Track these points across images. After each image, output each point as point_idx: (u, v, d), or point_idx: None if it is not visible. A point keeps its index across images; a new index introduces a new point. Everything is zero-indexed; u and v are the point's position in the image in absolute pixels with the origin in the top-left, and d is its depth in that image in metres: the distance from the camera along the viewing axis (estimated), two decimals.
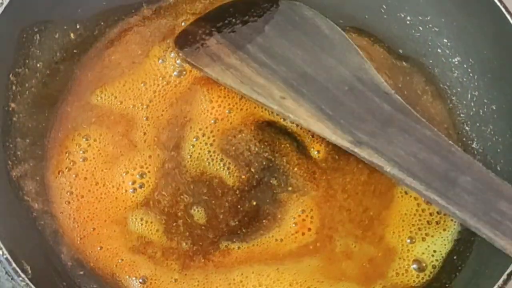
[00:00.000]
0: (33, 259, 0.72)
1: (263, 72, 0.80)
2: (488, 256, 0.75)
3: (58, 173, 0.80)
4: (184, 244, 0.78)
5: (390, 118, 0.76)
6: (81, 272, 0.77)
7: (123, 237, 0.78)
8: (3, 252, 0.68)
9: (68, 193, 0.79)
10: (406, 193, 0.80)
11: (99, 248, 0.78)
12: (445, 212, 0.74)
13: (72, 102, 0.83)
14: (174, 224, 0.79)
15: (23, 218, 0.77)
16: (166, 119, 0.83)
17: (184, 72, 0.85)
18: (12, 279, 0.69)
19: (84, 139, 0.81)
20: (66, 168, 0.80)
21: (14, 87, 0.79)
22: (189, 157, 0.81)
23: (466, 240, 0.79)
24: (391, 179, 0.79)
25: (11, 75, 0.79)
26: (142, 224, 0.79)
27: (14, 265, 0.68)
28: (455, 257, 0.79)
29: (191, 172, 0.81)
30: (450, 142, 0.74)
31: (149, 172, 0.80)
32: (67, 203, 0.79)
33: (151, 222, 0.79)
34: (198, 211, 0.79)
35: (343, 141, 0.75)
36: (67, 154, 0.81)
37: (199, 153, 0.81)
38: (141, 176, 0.80)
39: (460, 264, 0.78)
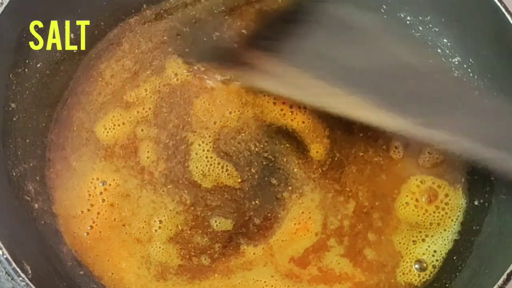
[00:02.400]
0: (33, 259, 0.72)
1: (310, 73, 0.79)
2: (488, 256, 0.75)
3: (81, 212, 0.79)
4: (204, 259, 0.78)
5: (444, 96, 0.76)
6: (81, 272, 0.77)
7: (139, 270, 0.78)
8: (3, 252, 0.68)
9: (89, 227, 0.79)
10: (406, 199, 0.81)
11: (110, 274, 0.78)
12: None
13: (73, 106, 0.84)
14: (194, 247, 0.79)
15: (23, 218, 0.77)
16: (168, 126, 0.83)
17: (185, 77, 0.85)
18: (12, 279, 0.69)
19: (100, 184, 0.80)
20: (87, 209, 0.79)
21: (14, 87, 0.79)
22: (196, 168, 0.81)
23: (466, 240, 0.79)
24: (392, 180, 0.79)
25: (11, 75, 0.79)
26: (161, 254, 0.78)
27: (14, 265, 0.68)
28: (455, 257, 0.79)
29: (199, 182, 0.81)
30: None
31: (168, 214, 0.79)
32: (86, 234, 0.79)
33: (171, 253, 0.78)
34: (217, 222, 0.79)
35: (404, 124, 0.75)
36: (88, 195, 0.80)
37: (201, 156, 0.81)
38: (160, 221, 0.79)
39: (460, 264, 0.78)
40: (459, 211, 0.80)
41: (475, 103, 0.76)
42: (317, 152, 0.82)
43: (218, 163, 0.81)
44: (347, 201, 0.80)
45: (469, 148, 0.73)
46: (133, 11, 0.88)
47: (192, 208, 0.80)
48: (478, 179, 0.81)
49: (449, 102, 0.76)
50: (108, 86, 0.85)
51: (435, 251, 0.79)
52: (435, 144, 0.75)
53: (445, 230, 0.79)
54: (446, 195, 0.81)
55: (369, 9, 0.85)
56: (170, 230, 0.79)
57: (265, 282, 0.77)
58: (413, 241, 0.79)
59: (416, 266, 0.78)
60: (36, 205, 0.78)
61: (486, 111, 0.74)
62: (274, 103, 0.83)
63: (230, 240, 0.79)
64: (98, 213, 0.79)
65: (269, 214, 0.79)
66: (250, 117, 0.83)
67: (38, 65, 0.82)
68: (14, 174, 0.78)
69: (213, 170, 0.81)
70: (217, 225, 0.79)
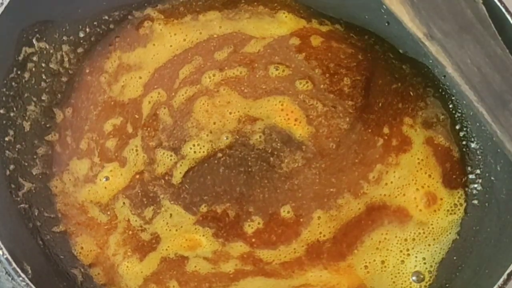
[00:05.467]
0: (33, 259, 0.72)
1: None
2: (488, 256, 0.75)
3: (81, 212, 0.80)
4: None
5: (469, 25, 0.76)
6: (81, 272, 0.77)
7: (139, 271, 0.78)
8: (3, 252, 0.68)
9: (89, 227, 0.79)
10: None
11: (110, 274, 0.78)
12: (487, 129, 0.74)
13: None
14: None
15: (23, 219, 0.77)
16: (168, 125, 0.83)
17: (185, 84, 0.85)
18: (12, 279, 0.69)
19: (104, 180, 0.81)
20: (86, 208, 0.80)
21: (14, 87, 0.80)
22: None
23: (466, 240, 0.79)
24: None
25: (11, 75, 0.79)
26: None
27: (14, 265, 0.68)
28: (455, 257, 0.79)
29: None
30: None
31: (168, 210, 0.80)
32: (86, 234, 0.79)
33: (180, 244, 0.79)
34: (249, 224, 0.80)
35: (417, 31, 0.76)
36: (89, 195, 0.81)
37: (198, 154, 0.82)
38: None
39: (460, 264, 0.78)
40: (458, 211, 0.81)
41: (483, 41, 0.75)
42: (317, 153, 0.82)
43: (216, 162, 0.81)
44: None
45: (452, 79, 0.75)
46: (133, 11, 0.88)
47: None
48: (478, 179, 0.82)
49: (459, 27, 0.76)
50: (109, 84, 0.84)
51: (424, 258, 0.79)
52: None
53: (434, 239, 0.80)
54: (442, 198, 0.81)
55: (369, 9, 0.85)
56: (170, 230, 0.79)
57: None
58: (402, 260, 0.79)
59: (414, 278, 0.78)
60: (36, 205, 0.78)
61: None
62: (282, 109, 0.83)
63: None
64: (98, 212, 0.79)
65: (267, 213, 0.80)
66: (251, 118, 0.83)
67: (38, 65, 0.82)
68: (14, 174, 0.78)
69: (218, 172, 0.81)
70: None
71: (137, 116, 0.83)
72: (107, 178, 0.80)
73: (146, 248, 0.78)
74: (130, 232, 0.79)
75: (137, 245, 0.78)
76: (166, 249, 0.78)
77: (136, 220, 0.79)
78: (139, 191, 0.80)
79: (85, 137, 0.82)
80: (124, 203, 0.80)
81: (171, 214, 0.79)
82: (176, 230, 0.79)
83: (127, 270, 0.78)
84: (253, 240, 0.79)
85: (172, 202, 0.80)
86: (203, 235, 0.79)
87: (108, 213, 0.79)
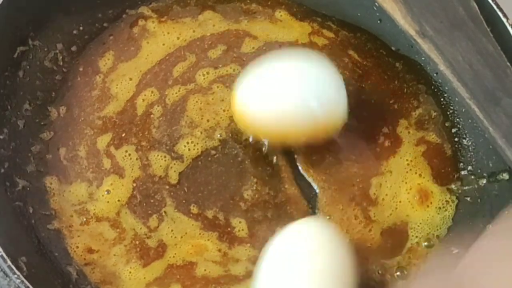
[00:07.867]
0: (28, 256, 0.72)
1: None
2: None
3: (77, 209, 0.79)
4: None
5: (461, 22, 0.77)
6: (76, 270, 0.77)
7: (133, 270, 0.78)
8: None
9: (85, 224, 0.79)
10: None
11: (105, 273, 0.77)
12: (479, 125, 0.75)
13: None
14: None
15: (18, 216, 0.77)
16: (162, 123, 0.83)
17: (178, 82, 0.85)
18: (7, 276, 0.69)
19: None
20: (83, 206, 0.79)
21: (9, 86, 0.80)
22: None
23: (458, 236, 0.79)
24: None
25: (5, 74, 0.79)
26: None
27: (9, 262, 0.68)
28: None
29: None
30: (508, 64, 0.75)
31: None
32: (82, 231, 0.79)
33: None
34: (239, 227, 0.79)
35: (409, 28, 0.77)
36: (86, 192, 0.80)
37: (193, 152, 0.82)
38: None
39: None
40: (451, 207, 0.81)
41: (474, 38, 0.76)
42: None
43: (210, 159, 0.81)
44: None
45: (444, 76, 0.75)
46: (127, 10, 0.88)
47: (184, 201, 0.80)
48: (470, 176, 0.82)
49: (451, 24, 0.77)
50: (103, 82, 0.84)
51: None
52: None
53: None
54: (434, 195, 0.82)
55: (362, 7, 0.85)
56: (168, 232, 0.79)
57: None
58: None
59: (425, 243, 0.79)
60: (31, 203, 0.78)
61: None
62: None
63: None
64: (95, 210, 0.79)
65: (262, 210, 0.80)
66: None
67: (34, 64, 0.82)
68: (9, 172, 0.78)
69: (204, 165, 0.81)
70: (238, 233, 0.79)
71: (130, 115, 0.83)
72: (108, 192, 0.80)
73: (153, 255, 0.77)
74: (137, 242, 0.78)
75: (143, 253, 0.78)
76: (173, 256, 0.77)
77: (141, 228, 0.79)
78: (140, 199, 0.80)
79: (79, 138, 0.82)
80: (126, 212, 0.79)
81: (174, 221, 0.79)
82: (181, 237, 0.78)
83: (129, 275, 0.77)
84: (255, 238, 0.79)
85: (173, 207, 0.79)
86: (208, 240, 0.78)
87: (118, 229, 0.78)
